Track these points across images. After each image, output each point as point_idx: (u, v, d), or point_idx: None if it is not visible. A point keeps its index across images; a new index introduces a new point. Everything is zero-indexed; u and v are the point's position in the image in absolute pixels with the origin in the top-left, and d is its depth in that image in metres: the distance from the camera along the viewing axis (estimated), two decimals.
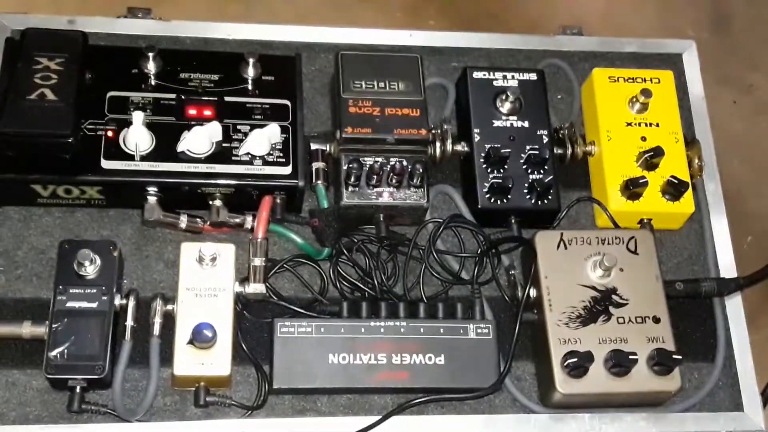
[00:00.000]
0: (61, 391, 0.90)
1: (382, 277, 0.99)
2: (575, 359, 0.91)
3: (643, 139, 1.06)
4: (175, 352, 0.89)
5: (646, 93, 1.06)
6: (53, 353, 0.87)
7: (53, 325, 0.88)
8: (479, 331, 0.95)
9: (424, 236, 1.02)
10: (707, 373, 1.00)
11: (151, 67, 1.01)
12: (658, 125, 1.07)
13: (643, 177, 1.02)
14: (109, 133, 0.96)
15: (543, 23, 1.23)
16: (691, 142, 1.09)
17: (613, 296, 0.96)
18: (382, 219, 0.99)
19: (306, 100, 1.06)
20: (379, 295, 0.98)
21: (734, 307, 1.03)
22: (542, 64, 1.13)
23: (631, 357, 0.91)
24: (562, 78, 1.14)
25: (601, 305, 0.95)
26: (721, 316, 1.03)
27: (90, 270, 0.91)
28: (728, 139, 1.15)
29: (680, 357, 0.92)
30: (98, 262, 0.91)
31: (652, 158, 1.03)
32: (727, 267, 1.06)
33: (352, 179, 0.98)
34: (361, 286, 0.98)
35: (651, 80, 1.09)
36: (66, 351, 0.87)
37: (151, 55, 1.00)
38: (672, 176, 1.02)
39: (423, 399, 0.91)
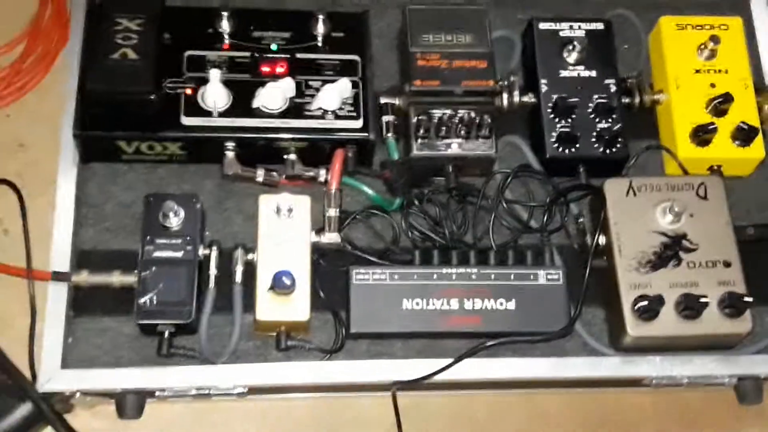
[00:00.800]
0: (151, 337, 0.95)
1: (453, 226, 1.01)
2: (646, 302, 0.92)
3: (712, 86, 1.06)
4: (256, 298, 0.93)
5: (714, 39, 1.06)
6: (143, 300, 0.92)
7: (142, 273, 0.93)
8: (549, 276, 0.97)
9: (493, 187, 1.04)
10: None
11: (225, 26, 1.04)
12: (727, 72, 1.07)
13: (712, 123, 1.02)
14: (188, 91, 1.00)
15: None
16: (760, 88, 1.08)
17: (684, 241, 0.97)
18: (451, 170, 1.01)
19: (375, 56, 1.08)
20: (450, 244, 1.00)
21: None
22: (609, 14, 1.13)
23: (701, 300, 0.93)
24: (630, 28, 1.15)
25: (671, 250, 0.96)
26: None
27: (174, 221, 0.95)
28: None
29: (751, 299, 0.93)
30: (182, 214, 0.96)
31: (721, 104, 1.03)
32: None
33: (422, 131, 1.00)
34: (432, 235, 1.01)
35: (719, 27, 1.09)
36: (155, 297, 0.92)
37: (225, 14, 1.04)
38: (742, 122, 1.02)
39: (495, 342, 0.94)
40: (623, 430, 1.02)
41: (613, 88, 1.05)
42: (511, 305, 0.95)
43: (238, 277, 0.95)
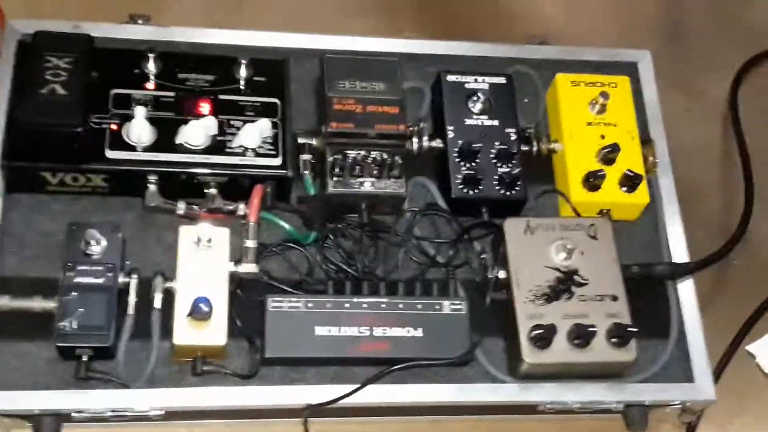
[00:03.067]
0: (69, 361, 0.97)
1: (365, 260, 1.07)
2: (540, 331, 1.00)
3: (602, 137, 1.16)
4: (174, 323, 0.97)
5: (604, 95, 1.16)
6: (63, 323, 0.95)
7: (63, 298, 0.96)
8: (453, 307, 1.04)
9: (404, 224, 1.11)
10: (662, 349, 1.09)
11: (151, 67, 1.10)
12: (615, 125, 1.17)
13: (601, 170, 1.12)
14: (113, 126, 1.05)
15: (512, 33, 1.33)
16: (646, 141, 1.19)
17: (575, 276, 1.05)
18: (364, 207, 1.08)
19: (293, 100, 1.14)
20: (362, 277, 1.06)
21: (686, 289, 1.13)
22: (511, 70, 1.23)
23: (590, 329, 1.00)
24: (529, 83, 1.24)
25: (564, 285, 1.05)
26: (675, 297, 1.12)
27: (96, 249, 0.99)
28: (682, 142, 1.25)
29: (635, 329, 1.01)
30: (103, 242, 0.99)
31: (609, 153, 1.13)
32: (681, 255, 1.15)
33: (337, 170, 1.07)
34: (346, 268, 1.07)
35: (609, 84, 1.19)
36: (74, 321, 0.95)
37: (151, 56, 1.09)
38: (628, 170, 1.12)
39: (401, 366, 1.00)
40: None
41: (513, 137, 1.14)
42: (418, 333, 1.01)
43: (157, 303, 0.99)
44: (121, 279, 0.99)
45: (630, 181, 1.12)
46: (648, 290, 1.12)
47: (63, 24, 1.14)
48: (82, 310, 0.95)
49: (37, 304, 0.97)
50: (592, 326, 1.01)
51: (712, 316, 1.16)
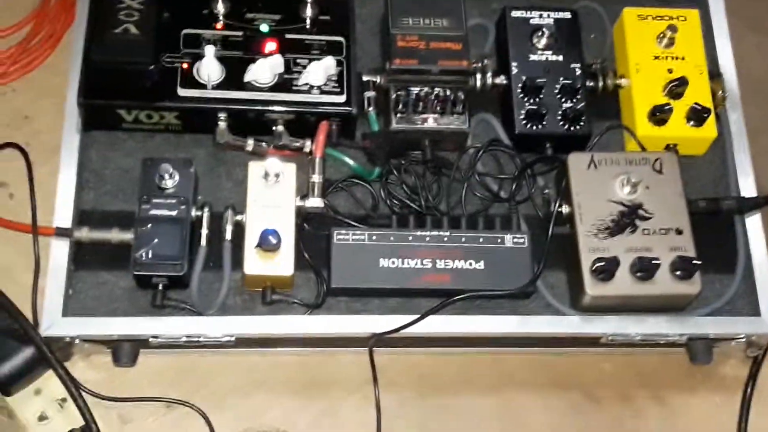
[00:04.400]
0: (145, 290, 1.02)
1: (428, 196, 1.09)
2: (603, 263, 1.00)
3: (670, 71, 1.14)
4: (244, 254, 1.01)
5: (672, 28, 1.15)
6: (139, 253, 0.99)
7: (138, 229, 1.00)
8: (515, 240, 1.05)
9: (466, 161, 1.12)
10: (728, 283, 1.09)
11: (220, 8, 1.12)
12: (684, 59, 1.15)
13: (668, 104, 1.11)
14: (185, 65, 1.08)
15: None
16: (715, 75, 1.17)
17: (639, 210, 1.05)
18: (427, 143, 1.09)
19: (358, 39, 1.16)
20: (425, 212, 1.08)
21: (754, 223, 1.11)
22: (577, 6, 1.22)
23: (653, 261, 1.01)
24: (597, 19, 1.23)
25: (627, 218, 1.04)
26: (742, 231, 1.11)
27: (170, 183, 1.03)
28: (753, 81, 1.23)
29: (699, 262, 1.01)
30: (176, 176, 1.03)
31: (677, 87, 1.12)
32: (749, 190, 1.14)
33: (400, 106, 1.09)
34: (409, 203, 1.09)
35: (678, 18, 1.18)
36: (150, 251, 0.99)
37: None
38: (695, 103, 1.11)
39: (463, 296, 1.01)
40: (585, 390, 1.09)
41: (578, 72, 1.14)
42: (480, 266, 1.03)
43: (228, 235, 1.03)
44: (194, 212, 1.03)
45: (697, 115, 1.11)
46: (715, 225, 1.11)
47: None
48: (157, 240, 1.00)
49: (115, 235, 1.02)
50: (656, 259, 1.01)
51: None
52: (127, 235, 1.01)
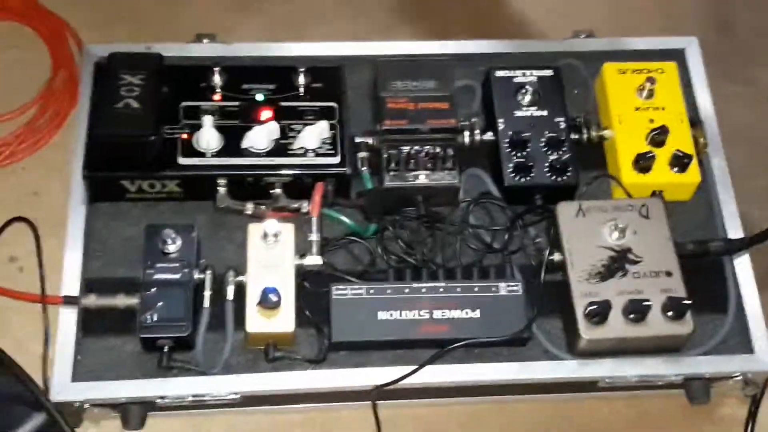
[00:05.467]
0: (152, 353, 1.05)
1: (424, 249, 1.13)
2: (595, 307, 1.03)
3: (651, 121, 1.19)
4: (246, 313, 1.04)
5: (651, 80, 1.19)
6: (144, 316, 1.02)
7: (144, 293, 1.03)
8: (510, 288, 1.08)
9: (459, 215, 1.16)
10: (720, 323, 1.11)
11: (217, 80, 1.18)
12: (664, 109, 1.20)
13: (651, 152, 1.15)
14: (184, 135, 1.13)
15: (558, 29, 1.37)
16: (695, 122, 1.22)
17: (629, 255, 1.08)
18: (420, 199, 1.13)
19: (350, 105, 1.21)
20: (421, 265, 1.11)
21: (742, 263, 1.14)
22: (560, 63, 1.27)
23: (645, 303, 1.03)
24: (578, 75, 1.28)
25: (617, 263, 1.07)
26: (731, 272, 1.14)
27: (172, 248, 1.06)
28: (733, 128, 1.27)
29: (690, 301, 1.04)
30: (179, 241, 1.07)
31: (658, 135, 1.16)
32: (735, 231, 1.17)
33: (393, 164, 1.13)
34: (405, 257, 1.12)
35: (656, 70, 1.22)
36: (155, 314, 1.02)
37: (216, 70, 1.17)
38: (677, 150, 1.15)
39: (458, 345, 1.04)
40: None
41: (563, 125, 1.18)
42: (476, 314, 1.06)
43: (230, 295, 1.06)
44: (197, 275, 1.06)
45: (680, 161, 1.15)
46: (705, 268, 1.14)
47: (136, 46, 1.23)
48: (162, 303, 1.03)
49: (121, 301, 1.05)
50: (647, 300, 1.03)
51: None
52: (133, 300, 1.04)
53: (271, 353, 1.04)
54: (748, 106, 1.36)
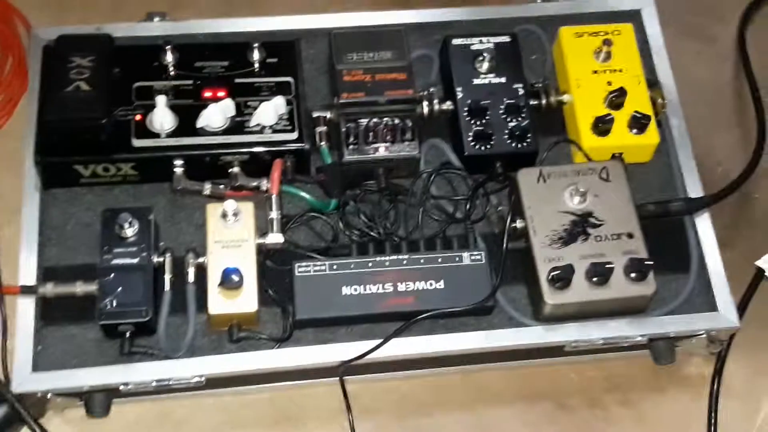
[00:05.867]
0: (114, 339, 1.03)
1: (386, 223, 1.12)
2: (558, 271, 1.03)
3: (609, 83, 1.18)
4: (208, 294, 1.02)
5: (607, 42, 1.19)
6: (104, 302, 1.01)
7: (102, 280, 1.02)
8: (473, 257, 1.07)
9: (420, 186, 1.15)
10: (683, 282, 1.11)
11: (169, 59, 1.15)
12: (621, 71, 1.19)
13: (609, 115, 1.14)
14: (138, 117, 1.11)
15: None
16: (653, 83, 1.21)
17: (590, 218, 1.08)
18: (381, 172, 1.12)
19: (307, 79, 1.19)
20: (384, 239, 1.10)
21: (703, 222, 1.14)
22: (517, 29, 1.26)
23: (607, 266, 1.03)
24: (536, 41, 1.27)
25: (579, 227, 1.07)
26: (693, 231, 1.14)
27: (129, 232, 1.05)
28: (692, 85, 1.27)
29: (652, 262, 1.04)
30: (136, 225, 1.05)
31: (616, 98, 1.15)
32: (696, 191, 1.17)
33: (351, 138, 1.12)
34: (368, 231, 1.11)
35: (612, 32, 1.22)
36: (114, 300, 1.01)
37: (168, 48, 1.15)
38: (636, 111, 1.15)
39: (423, 316, 1.03)
40: (557, 400, 1.11)
41: (521, 92, 1.17)
42: (440, 285, 1.05)
43: (191, 277, 1.04)
44: (156, 258, 1.05)
45: (638, 123, 1.14)
46: (666, 228, 1.14)
47: (85, 27, 1.20)
48: (121, 289, 1.01)
49: (79, 288, 1.03)
50: (609, 263, 1.03)
51: (736, 249, 1.18)
52: (92, 287, 1.03)
53: (235, 333, 1.03)
54: (706, 64, 1.36)
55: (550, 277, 1.03)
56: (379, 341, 1.03)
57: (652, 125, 1.15)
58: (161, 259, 1.05)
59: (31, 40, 1.20)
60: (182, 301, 1.05)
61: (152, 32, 1.22)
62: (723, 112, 1.32)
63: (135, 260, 1.03)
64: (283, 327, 1.06)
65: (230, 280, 1.01)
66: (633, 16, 1.29)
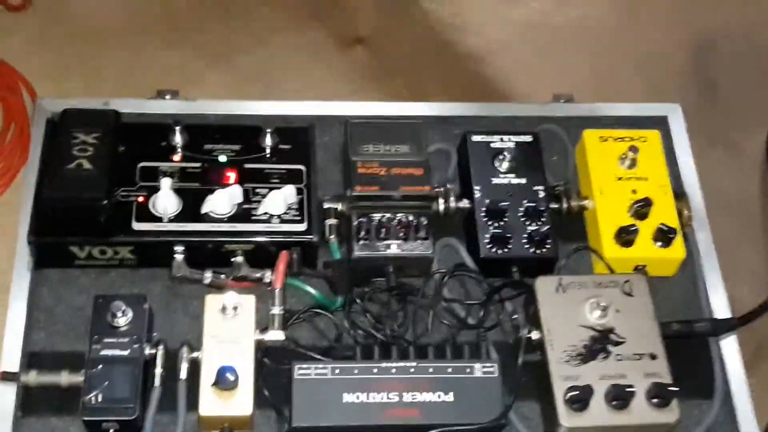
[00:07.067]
0: None
1: (394, 324, 1.05)
2: (576, 392, 0.96)
3: (634, 192, 1.13)
4: (200, 393, 0.96)
5: (633, 149, 1.14)
6: (88, 396, 0.94)
7: (89, 371, 0.95)
8: (485, 369, 1.00)
9: (432, 287, 1.09)
10: (706, 410, 1.05)
11: (177, 140, 1.11)
12: (647, 179, 1.15)
13: (633, 225, 1.09)
14: (140, 199, 1.06)
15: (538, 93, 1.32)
16: (680, 194, 1.16)
17: (611, 335, 1.02)
18: (391, 270, 1.07)
19: (320, 168, 1.14)
20: (391, 341, 1.04)
21: (730, 346, 1.08)
22: (538, 129, 1.21)
23: (628, 390, 0.97)
24: (557, 141, 1.23)
25: (599, 344, 1.01)
26: (718, 355, 1.08)
27: (122, 321, 0.98)
28: (719, 197, 1.23)
29: (677, 389, 0.97)
30: (129, 314, 0.99)
31: (641, 208, 1.10)
32: (723, 311, 1.11)
33: (363, 233, 1.06)
34: (374, 332, 1.05)
35: (639, 139, 1.18)
36: (100, 394, 0.94)
37: (177, 128, 1.11)
38: (662, 224, 1.10)
39: None
40: None
41: (542, 194, 1.12)
42: (449, 398, 0.98)
43: (183, 374, 0.98)
44: (148, 351, 0.98)
45: (664, 236, 1.09)
46: (689, 349, 1.08)
47: (92, 101, 1.16)
48: (108, 383, 0.95)
49: (65, 378, 0.97)
50: (630, 386, 0.97)
51: (763, 374, 1.11)
52: (78, 378, 0.96)
53: None
54: (733, 174, 1.32)
55: (567, 397, 0.97)
56: None
57: (679, 239, 1.10)
58: (153, 351, 0.99)
59: (35, 111, 1.16)
60: (172, 399, 0.98)
61: (161, 110, 1.19)
62: (750, 227, 1.28)
63: (126, 352, 0.97)
64: None
65: (225, 380, 0.95)
66: (659, 122, 1.25)
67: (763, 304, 1.10)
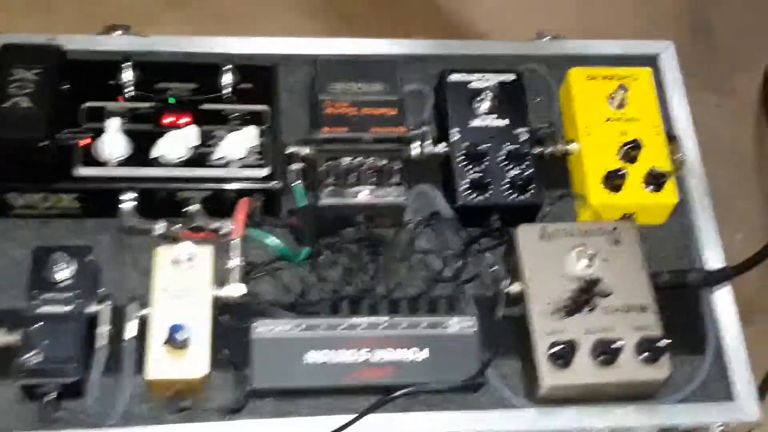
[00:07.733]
0: (35, 401, 0.88)
1: (364, 277, 0.97)
2: (559, 347, 0.89)
3: (623, 133, 1.05)
4: (149, 353, 0.87)
5: (623, 88, 1.06)
6: (25, 357, 0.86)
7: (26, 330, 0.87)
8: (462, 325, 0.93)
9: (406, 238, 1.01)
10: (698, 365, 0.98)
11: (127, 78, 1.01)
12: (638, 120, 1.07)
13: (622, 169, 1.01)
14: (85, 141, 0.96)
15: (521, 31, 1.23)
16: (672, 137, 1.09)
17: (598, 286, 0.94)
18: (361, 218, 0.99)
19: (285, 110, 1.05)
20: (361, 296, 0.96)
21: (723, 297, 1.01)
22: (521, 68, 1.13)
23: (616, 344, 0.90)
24: (541, 81, 1.14)
25: (585, 296, 0.94)
26: (710, 307, 1.01)
27: (64, 275, 0.90)
28: (712, 142, 1.15)
29: (667, 342, 0.90)
30: (72, 267, 0.91)
31: (631, 150, 1.03)
32: (716, 260, 1.04)
33: (330, 179, 0.98)
34: (343, 286, 0.97)
35: (629, 77, 1.09)
36: (39, 355, 0.86)
37: (127, 65, 1.01)
38: (653, 167, 1.02)
39: (400, 393, 0.89)
40: None
41: (525, 136, 1.04)
42: (423, 355, 0.91)
43: (131, 332, 0.90)
44: (92, 307, 0.90)
45: (655, 180, 1.01)
46: (681, 301, 1.01)
47: (36, 37, 1.06)
48: (48, 342, 0.86)
49: (1, 338, 0.88)
50: (619, 340, 0.90)
51: (758, 326, 1.04)
52: (14, 337, 0.88)
53: (175, 404, 0.88)
54: (726, 119, 1.24)
55: (549, 353, 0.89)
56: (349, 417, 0.89)
57: (671, 183, 1.02)
58: (98, 308, 0.90)
59: None
60: (120, 360, 0.90)
61: (111, 47, 1.09)
62: (743, 173, 1.20)
63: (68, 308, 0.89)
64: (237, 395, 0.91)
65: (177, 337, 0.87)
66: (650, 61, 1.16)
67: (758, 252, 1.03)
